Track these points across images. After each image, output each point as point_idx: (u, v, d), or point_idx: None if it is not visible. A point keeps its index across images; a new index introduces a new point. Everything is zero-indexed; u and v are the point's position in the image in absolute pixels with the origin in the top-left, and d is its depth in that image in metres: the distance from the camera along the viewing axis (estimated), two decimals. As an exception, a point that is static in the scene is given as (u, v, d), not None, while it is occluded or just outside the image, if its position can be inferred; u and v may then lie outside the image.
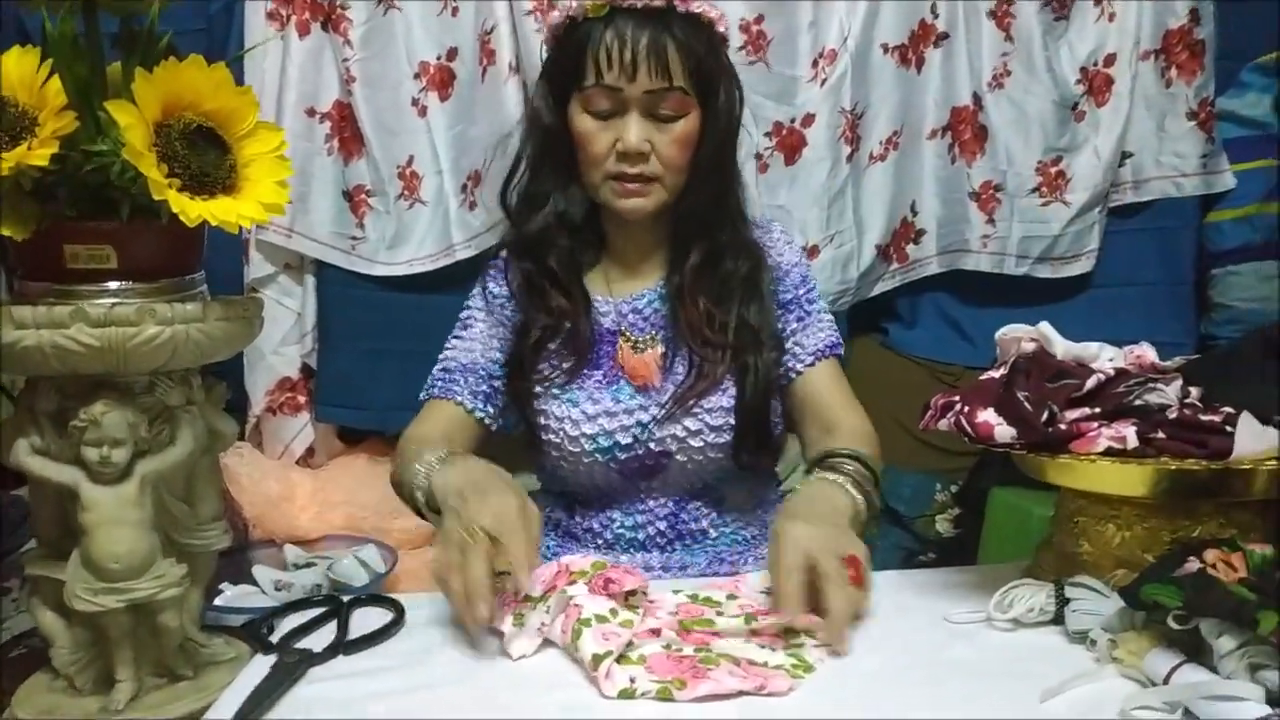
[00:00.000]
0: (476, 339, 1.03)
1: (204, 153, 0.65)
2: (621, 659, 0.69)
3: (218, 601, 1.30)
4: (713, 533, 1.00)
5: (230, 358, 0.75)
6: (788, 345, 1.01)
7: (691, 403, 0.96)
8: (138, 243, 0.67)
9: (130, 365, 0.65)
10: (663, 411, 0.96)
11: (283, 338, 1.66)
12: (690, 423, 0.96)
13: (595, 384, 0.99)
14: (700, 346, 0.97)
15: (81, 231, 0.65)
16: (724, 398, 0.96)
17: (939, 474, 1.65)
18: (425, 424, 0.99)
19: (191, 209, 0.63)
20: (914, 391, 1.13)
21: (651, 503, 0.99)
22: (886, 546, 1.63)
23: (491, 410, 1.01)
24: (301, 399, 1.69)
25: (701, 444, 0.96)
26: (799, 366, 1.00)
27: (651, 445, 0.96)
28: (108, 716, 0.68)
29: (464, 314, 1.06)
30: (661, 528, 0.99)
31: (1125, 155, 1.67)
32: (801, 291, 1.04)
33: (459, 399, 0.99)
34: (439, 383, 1.01)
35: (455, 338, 1.04)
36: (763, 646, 0.72)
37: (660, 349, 0.99)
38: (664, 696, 0.65)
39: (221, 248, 1.65)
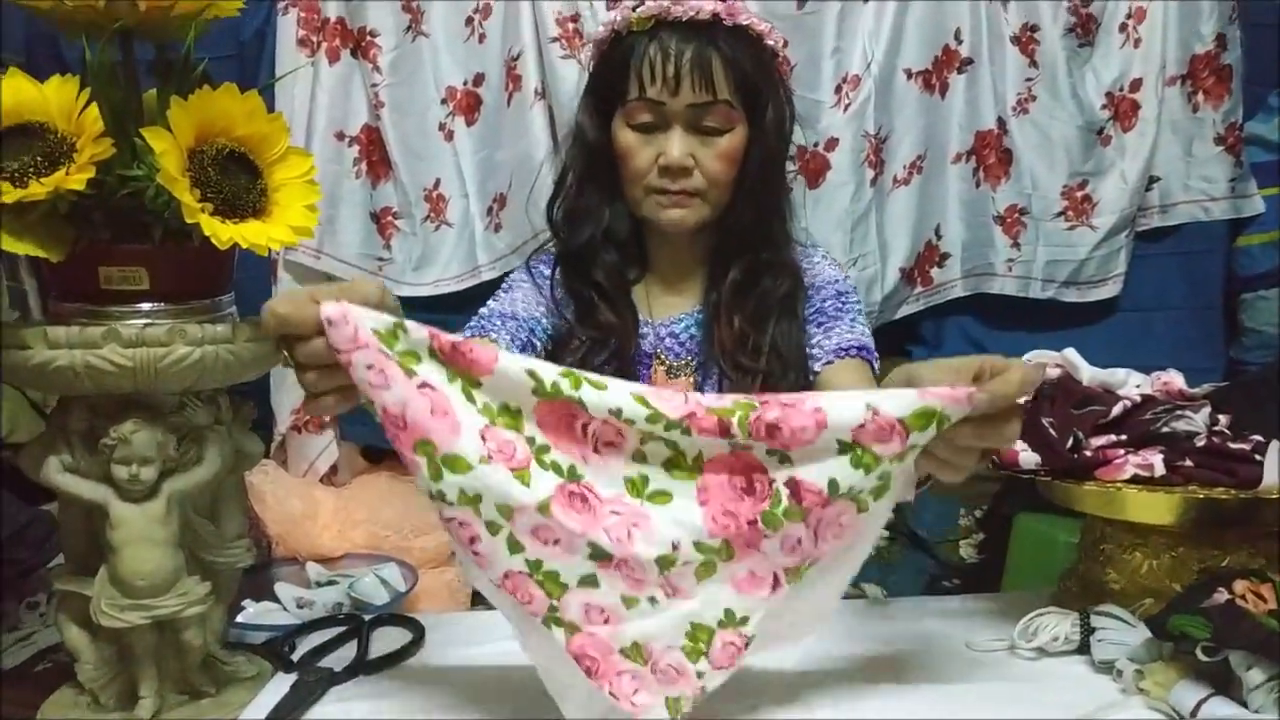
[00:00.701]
0: (519, 299, 1.01)
1: (235, 177, 0.67)
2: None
3: (240, 618, 1.30)
4: None
5: (258, 378, 0.76)
6: (812, 353, 0.98)
7: None
8: (169, 265, 0.68)
9: (160, 385, 0.66)
10: None
11: (309, 357, 1.68)
12: None
13: None
14: (731, 369, 0.96)
15: (115, 254, 0.67)
16: None
17: (963, 499, 1.64)
18: None
19: (223, 232, 0.64)
20: (937, 416, 1.12)
21: None
22: (908, 571, 1.62)
23: None
24: (326, 417, 1.70)
25: None
26: (816, 367, 0.97)
27: None
28: (131, 733, 0.68)
29: (506, 282, 1.05)
30: None
31: (1152, 180, 1.66)
32: (829, 303, 1.00)
33: (493, 337, 0.95)
34: (472, 327, 0.98)
35: (493, 300, 1.02)
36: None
37: (693, 378, 0.99)
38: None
39: (250, 268, 1.67)
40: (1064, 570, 0.85)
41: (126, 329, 0.64)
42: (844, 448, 0.59)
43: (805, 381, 0.98)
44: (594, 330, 0.98)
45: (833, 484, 0.59)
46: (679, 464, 0.60)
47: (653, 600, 0.60)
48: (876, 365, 1.00)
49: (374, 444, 1.71)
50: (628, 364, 0.98)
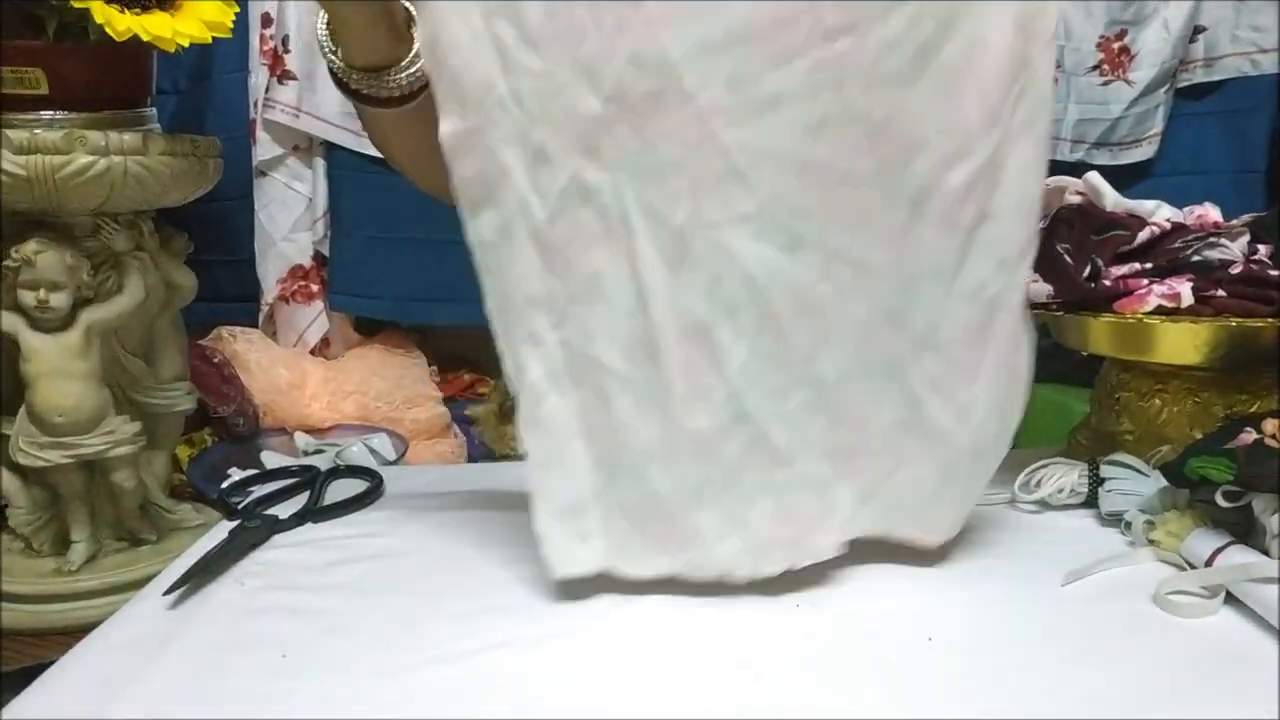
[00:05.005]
0: None
1: (134, -40, 0.58)
2: None
3: (225, 485, 1.28)
4: None
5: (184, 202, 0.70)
6: None
7: None
8: (70, 66, 0.60)
9: (65, 201, 0.59)
10: None
11: (293, 224, 1.61)
12: None
13: None
14: None
15: (6, 51, 0.59)
16: None
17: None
18: None
19: (119, 22, 0.56)
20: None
21: None
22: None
23: None
24: (314, 287, 1.64)
25: None
26: None
27: None
28: (61, 578, 0.64)
29: None
30: None
31: (1197, 30, 1.53)
32: None
33: None
34: None
35: None
36: None
37: None
38: None
39: (228, 128, 1.59)
40: (1074, 426, 0.79)
41: (18, 134, 0.57)
42: None
43: None
44: None
45: None
46: None
47: None
48: None
49: (363, 314, 1.66)
50: None
